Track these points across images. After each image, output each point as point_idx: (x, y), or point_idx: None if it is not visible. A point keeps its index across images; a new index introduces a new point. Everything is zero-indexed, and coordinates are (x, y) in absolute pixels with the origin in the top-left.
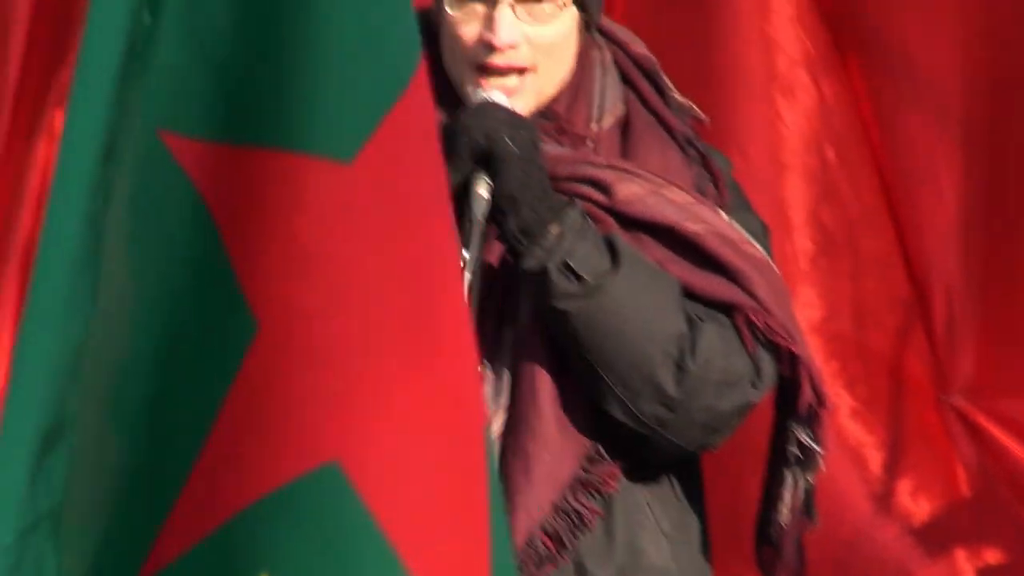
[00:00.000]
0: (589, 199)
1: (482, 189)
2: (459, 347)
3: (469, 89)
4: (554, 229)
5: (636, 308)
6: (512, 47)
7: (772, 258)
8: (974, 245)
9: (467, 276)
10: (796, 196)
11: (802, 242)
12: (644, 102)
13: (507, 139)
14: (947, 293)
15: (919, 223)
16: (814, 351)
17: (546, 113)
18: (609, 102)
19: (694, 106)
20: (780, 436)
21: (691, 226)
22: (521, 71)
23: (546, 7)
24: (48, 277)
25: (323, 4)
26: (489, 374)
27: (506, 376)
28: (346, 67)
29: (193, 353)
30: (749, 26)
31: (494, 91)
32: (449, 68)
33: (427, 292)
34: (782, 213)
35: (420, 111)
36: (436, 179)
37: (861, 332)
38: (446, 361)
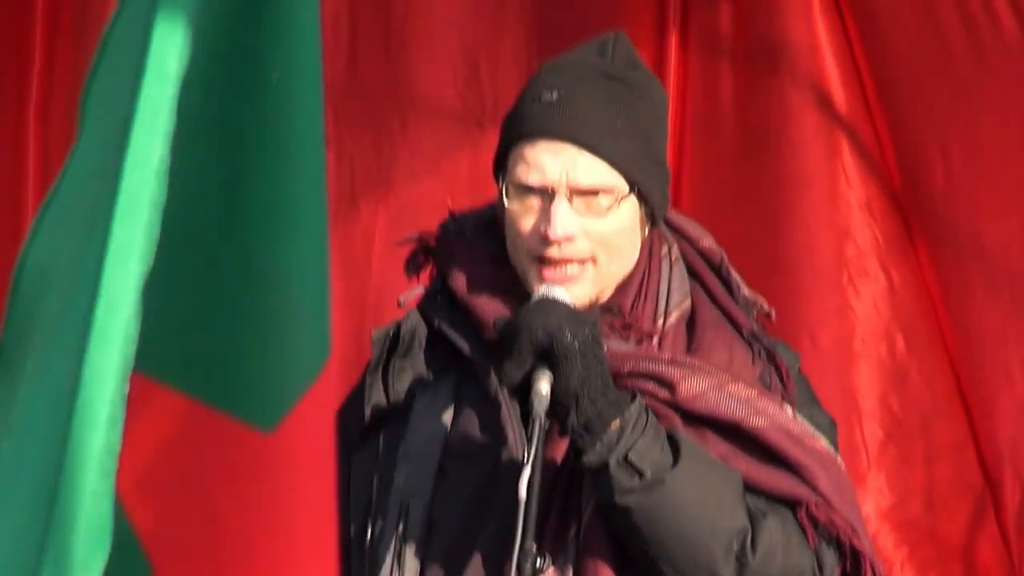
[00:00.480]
0: (653, 395)
1: (543, 385)
2: None
3: (531, 279)
4: (615, 425)
5: (697, 503)
6: (569, 240)
7: (838, 452)
8: None
9: (527, 471)
10: (866, 384)
11: (872, 429)
12: (711, 297)
13: (568, 335)
14: (1019, 479)
15: (990, 409)
16: (884, 537)
17: (611, 308)
18: (676, 298)
19: (762, 300)
20: None
21: (754, 421)
22: (580, 262)
23: (603, 200)
24: None
25: (266, 277)
26: (553, 569)
27: (570, 571)
28: (277, 344)
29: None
30: (818, 215)
31: (555, 287)
32: (513, 259)
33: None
34: (852, 400)
35: (326, 401)
36: (329, 466)
37: (932, 518)
38: None
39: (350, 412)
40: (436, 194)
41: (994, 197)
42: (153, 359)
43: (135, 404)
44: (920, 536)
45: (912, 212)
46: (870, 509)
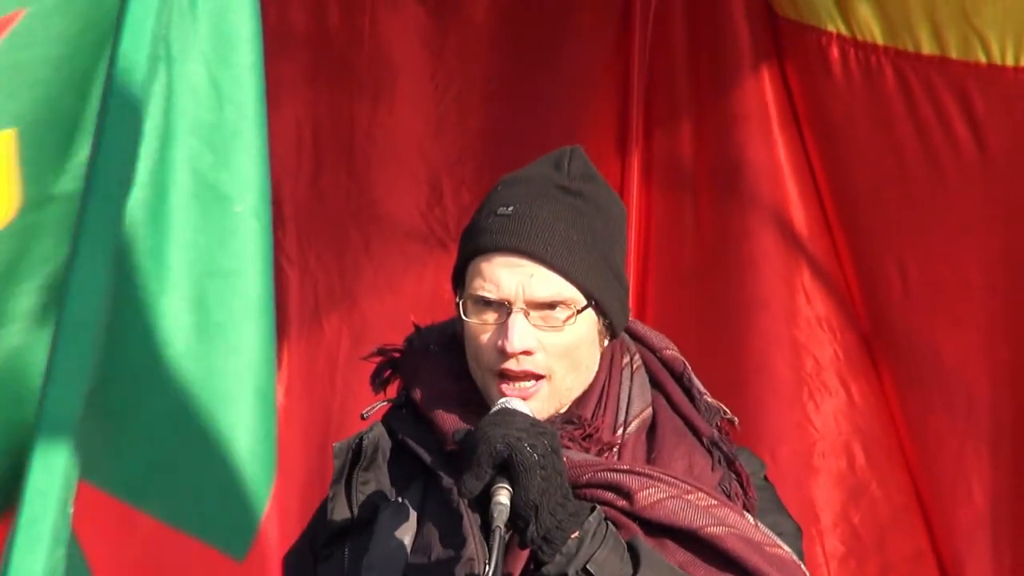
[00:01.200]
0: (612, 504)
1: (502, 497)
2: None
3: (491, 393)
4: (574, 536)
5: None
6: (527, 353)
7: (803, 559)
8: (1002, 539)
9: None
10: (826, 497)
11: (832, 543)
12: (672, 405)
13: (527, 447)
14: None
15: (949, 522)
16: None
17: (571, 418)
18: (636, 407)
19: (724, 408)
20: None
21: (713, 530)
22: (537, 377)
23: (560, 313)
24: None
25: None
26: None
27: None
28: (245, 463)
29: None
30: (777, 332)
31: (514, 399)
32: (473, 373)
33: None
34: (812, 514)
35: (285, 521)
36: None
37: None
38: None
39: (317, 524)
40: (400, 312)
41: (950, 311)
42: (131, 486)
43: (118, 530)
44: None
45: (871, 327)
46: None
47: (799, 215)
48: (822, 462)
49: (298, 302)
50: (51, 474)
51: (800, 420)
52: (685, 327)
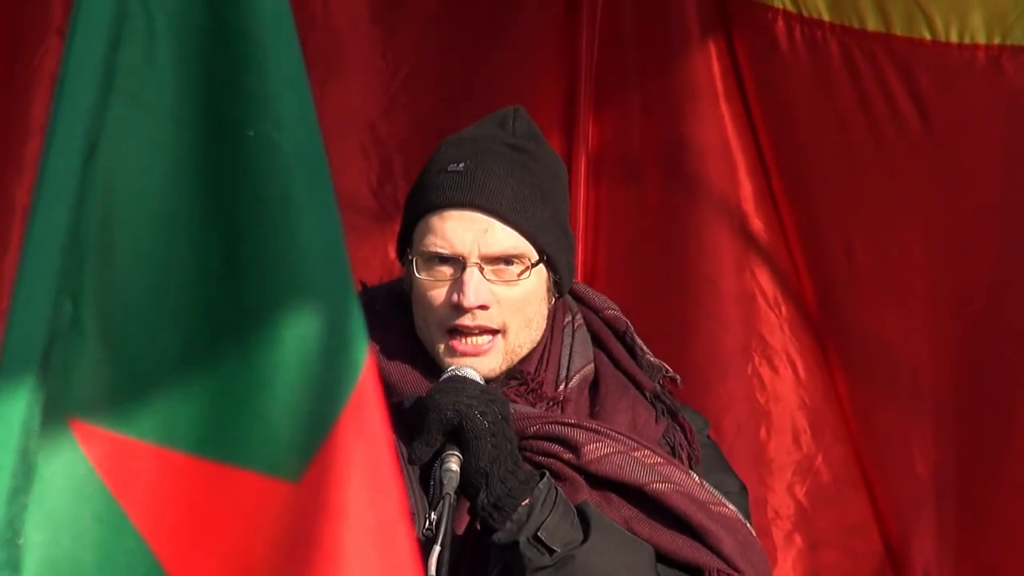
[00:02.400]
0: (558, 457)
1: (452, 464)
2: None
3: (441, 351)
4: (524, 503)
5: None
6: (483, 307)
7: (749, 518)
8: (946, 514)
9: (437, 549)
10: (771, 472)
11: (778, 519)
12: (615, 362)
13: (478, 414)
14: (921, 558)
15: (893, 495)
16: None
17: (516, 374)
18: (577, 363)
19: (667, 366)
20: None
21: (658, 486)
22: (492, 332)
23: (514, 268)
24: None
25: (274, 335)
26: None
27: None
28: (295, 388)
29: None
30: (726, 310)
31: (464, 367)
32: (421, 332)
33: None
34: (759, 490)
35: (367, 421)
36: (391, 481)
37: None
38: None
39: None
40: None
41: (894, 288)
42: (171, 430)
43: (160, 477)
44: None
45: (816, 304)
46: None
47: (746, 192)
48: (768, 437)
49: None
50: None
51: (746, 395)
52: (633, 303)
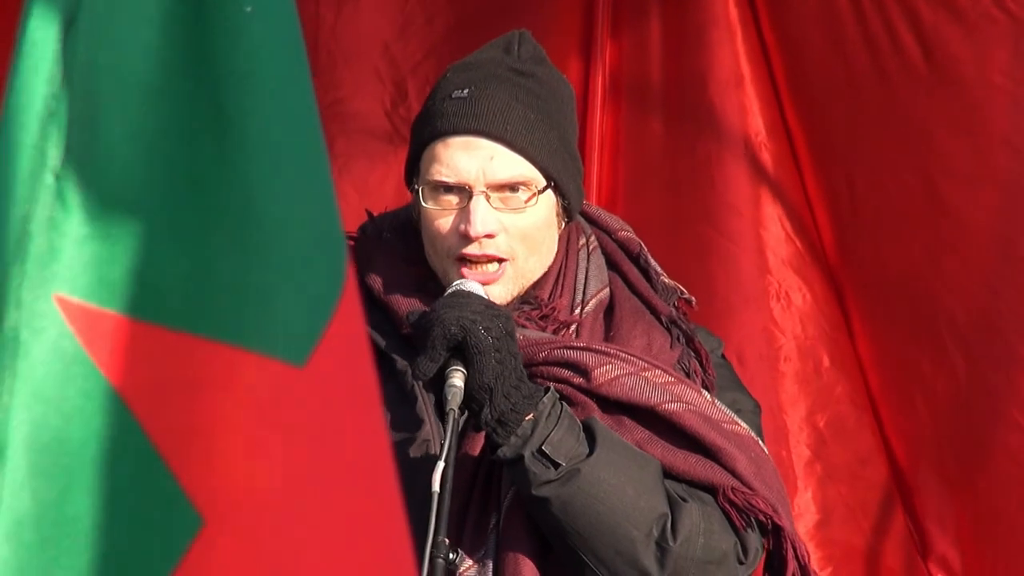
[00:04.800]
0: (568, 382)
1: (457, 379)
2: (395, 537)
3: (450, 278)
4: (529, 417)
5: (614, 491)
6: (489, 236)
7: (762, 436)
8: (945, 453)
9: (440, 465)
10: (791, 402)
11: (798, 447)
12: (630, 285)
13: (482, 329)
14: (942, 479)
15: (899, 430)
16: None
17: (529, 299)
18: (592, 287)
19: (682, 288)
20: None
21: (670, 406)
22: (500, 260)
23: (521, 195)
24: None
25: (268, 211)
26: (472, 564)
27: (489, 566)
28: (298, 270)
29: (126, 542)
30: (744, 232)
31: (469, 281)
32: (431, 260)
33: (365, 489)
34: (779, 419)
35: (355, 317)
36: (370, 383)
37: (853, 533)
38: (383, 552)
39: None
40: (362, 211)
41: (894, 223)
42: (161, 307)
43: (160, 357)
44: (843, 552)
45: (824, 235)
46: (799, 527)
47: (759, 123)
48: (788, 366)
49: None
50: None
51: (766, 323)
52: (655, 232)
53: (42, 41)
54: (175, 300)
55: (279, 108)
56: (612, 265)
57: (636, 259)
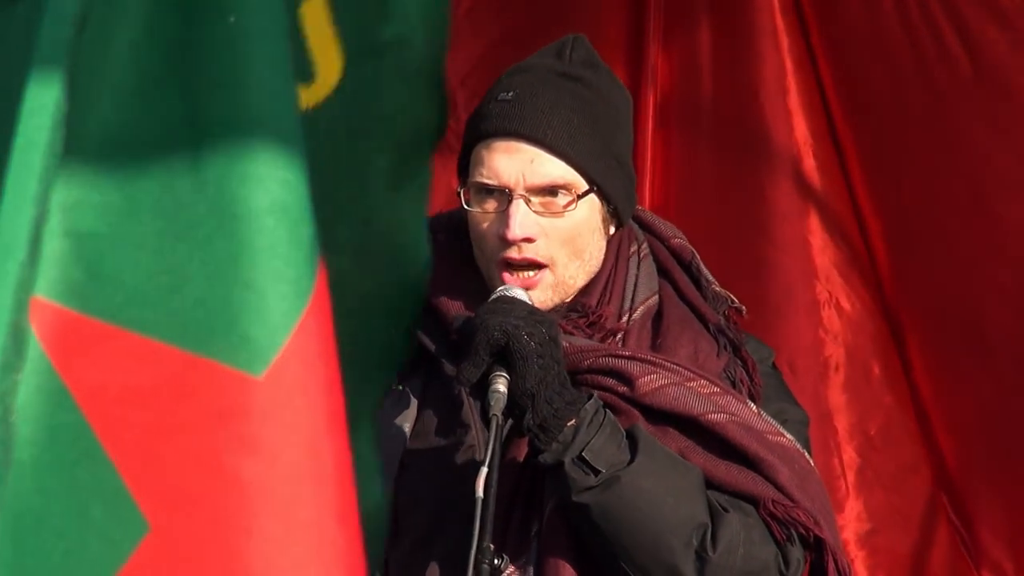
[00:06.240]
0: (613, 390)
1: (500, 385)
2: (347, 546)
3: (495, 282)
4: (570, 424)
5: (654, 499)
6: (528, 240)
7: (808, 447)
8: (999, 450)
9: (484, 470)
10: (842, 409)
11: (849, 454)
12: (679, 293)
13: (525, 335)
14: (995, 489)
15: (948, 433)
16: (860, 564)
17: (577, 307)
18: (641, 294)
19: (732, 296)
20: None
21: (714, 416)
22: (539, 266)
23: (561, 199)
24: None
25: (239, 216)
26: (514, 570)
27: (531, 571)
28: (263, 283)
29: (72, 542)
30: (793, 239)
31: (514, 287)
32: (478, 262)
33: (317, 502)
34: (830, 426)
35: (320, 331)
36: (332, 395)
37: (904, 541)
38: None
39: None
40: None
41: (940, 226)
42: (120, 307)
43: (109, 356)
44: (891, 560)
45: (878, 245)
46: (849, 535)
47: (805, 131)
48: (838, 374)
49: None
50: None
51: (816, 331)
52: (705, 242)
53: (57, 41)
54: (136, 303)
55: (258, 120)
56: (663, 272)
57: (688, 267)
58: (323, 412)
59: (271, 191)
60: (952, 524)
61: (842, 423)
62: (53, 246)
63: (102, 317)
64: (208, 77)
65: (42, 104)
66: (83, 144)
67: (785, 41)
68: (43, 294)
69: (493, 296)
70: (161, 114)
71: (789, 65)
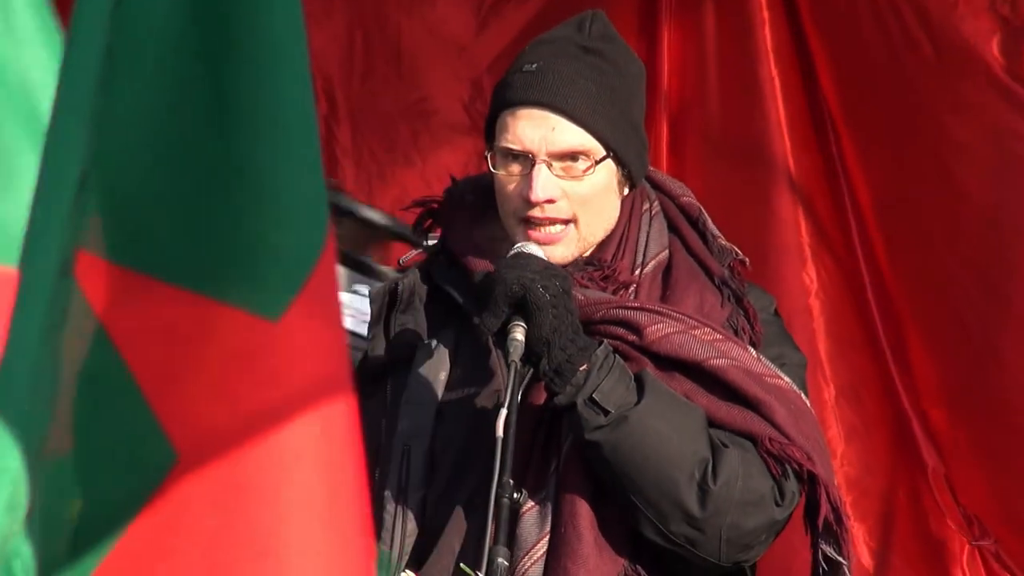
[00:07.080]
0: (623, 339)
1: (518, 333)
2: (359, 496)
3: (518, 239)
4: (582, 368)
5: (659, 437)
6: (550, 201)
7: (805, 388)
8: (972, 406)
9: (503, 412)
10: (833, 357)
11: (839, 401)
12: (687, 247)
13: (540, 287)
14: (970, 426)
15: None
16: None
17: (592, 261)
18: (653, 249)
19: (737, 249)
20: (813, 552)
21: (716, 362)
22: (563, 222)
23: (580, 164)
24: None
25: (256, 172)
26: (533, 504)
27: (549, 506)
28: (280, 232)
29: (106, 468)
30: (785, 209)
31: (530, 244)
32: (503, 221)
33: (334, 439)
34: (823, 372)
35: (330, 279)
36: (339, 342)
37: (885, 485)
38: (352, 511)
39: (359, 368)
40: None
41: (914, 208)
42: (152, 259)
43: (143, 303)
44: (877, 506)
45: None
46: (839, 480)
47: (798, 114)
48: (826, 325)
49: (353, 190)
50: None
51: (806, 282)
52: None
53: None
54: (163, 254)
55: (276, 88)
56: (673, 228)
57: (695, 223)
58: (335, 354)
59: (285, 147)
60: (935, 473)
61: (835, 371)
62: (94, 205)
63: (133, 266)
64: (235, 51)
65: (84, 68)
66: (116, 111)
67: (775, 30)
68: (87, 248)
69: (511, 252)
70: (194, 88)
71: (772, 58)
